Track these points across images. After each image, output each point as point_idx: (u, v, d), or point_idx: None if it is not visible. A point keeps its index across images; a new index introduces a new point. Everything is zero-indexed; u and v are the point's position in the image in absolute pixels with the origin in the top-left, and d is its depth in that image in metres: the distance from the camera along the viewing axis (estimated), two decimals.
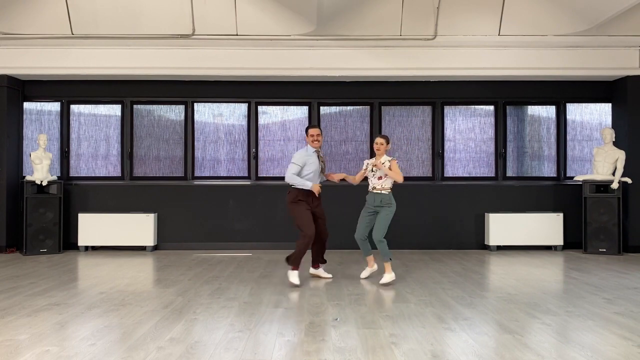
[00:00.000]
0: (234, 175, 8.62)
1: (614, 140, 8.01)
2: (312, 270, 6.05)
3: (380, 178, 5.61)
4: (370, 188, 5.70)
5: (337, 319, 4.13)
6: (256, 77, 8.24)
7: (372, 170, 5.67)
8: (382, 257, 5.54)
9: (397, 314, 4.28)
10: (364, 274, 5.93)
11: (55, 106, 8.59)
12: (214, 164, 8.65)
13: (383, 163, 5.59)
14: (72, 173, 8.57)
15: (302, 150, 5.78)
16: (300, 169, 5.63)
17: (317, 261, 5.98)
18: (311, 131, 5.74)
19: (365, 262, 6.18)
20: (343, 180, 5.93)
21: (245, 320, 4.11)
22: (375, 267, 5.92)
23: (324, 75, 8.12)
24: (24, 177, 8.11)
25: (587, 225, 7.92)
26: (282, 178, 7.81)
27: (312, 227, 5.54)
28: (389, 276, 5.55)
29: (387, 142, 5.69)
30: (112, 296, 4.96)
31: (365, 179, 5.85)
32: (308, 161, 5.65)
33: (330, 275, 6.00)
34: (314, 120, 8.56)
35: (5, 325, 3.93)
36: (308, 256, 6.16)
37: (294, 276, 5.51)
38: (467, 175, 8.64)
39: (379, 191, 5.61)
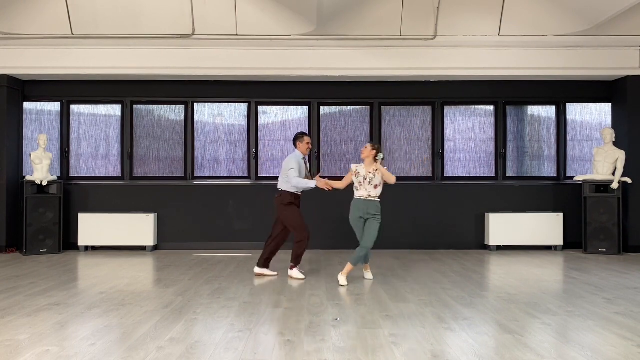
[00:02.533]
0: (234, 175, 8.61)
1: (614, 140, 8.01)
2: (257, 270, 6.06)
3: (376, 187, 5.46)
4: (358, 195, 5.50)
5: (337, 319, 4.12)
6: (256, 77, 8.24)
7: (365, 178, 5.47)
8: (355, 260, 5.46)
9: (397, 314, 4.28)
10: (367, 276, 5.90)
11: (55, 106, 8.59)
12: (214, 164, 8.65)
13: (376, 170, 5.45)
14: (72, 173, 8.57)
15: (292, 155, 5.91)
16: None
17: (268, 261, 6.07)
18: (307, 139, 5.97)
19: (362, 268, 6.04)
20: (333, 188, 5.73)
21: (245, 320, 4.11)
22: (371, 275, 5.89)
23: (324, 75, 8.12)
24: (24, 177, 8.11)
25: (587, 225, 7.92)
26: None
27: (307, 228, 5.80)
28: (343, 278, 5.54)
29: (372, 149, 5.49)
30: (112, 296, 4.96)
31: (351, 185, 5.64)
32: (299, 166, 5.85)
33: (275, 273, 6.08)
34: (314, 120, 8.56)
35: (5, 325, 3.93)
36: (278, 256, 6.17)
37: (298, 273, 5.85)
38: (467, 175, 8.63)
39: (373, 199, 5.47)
